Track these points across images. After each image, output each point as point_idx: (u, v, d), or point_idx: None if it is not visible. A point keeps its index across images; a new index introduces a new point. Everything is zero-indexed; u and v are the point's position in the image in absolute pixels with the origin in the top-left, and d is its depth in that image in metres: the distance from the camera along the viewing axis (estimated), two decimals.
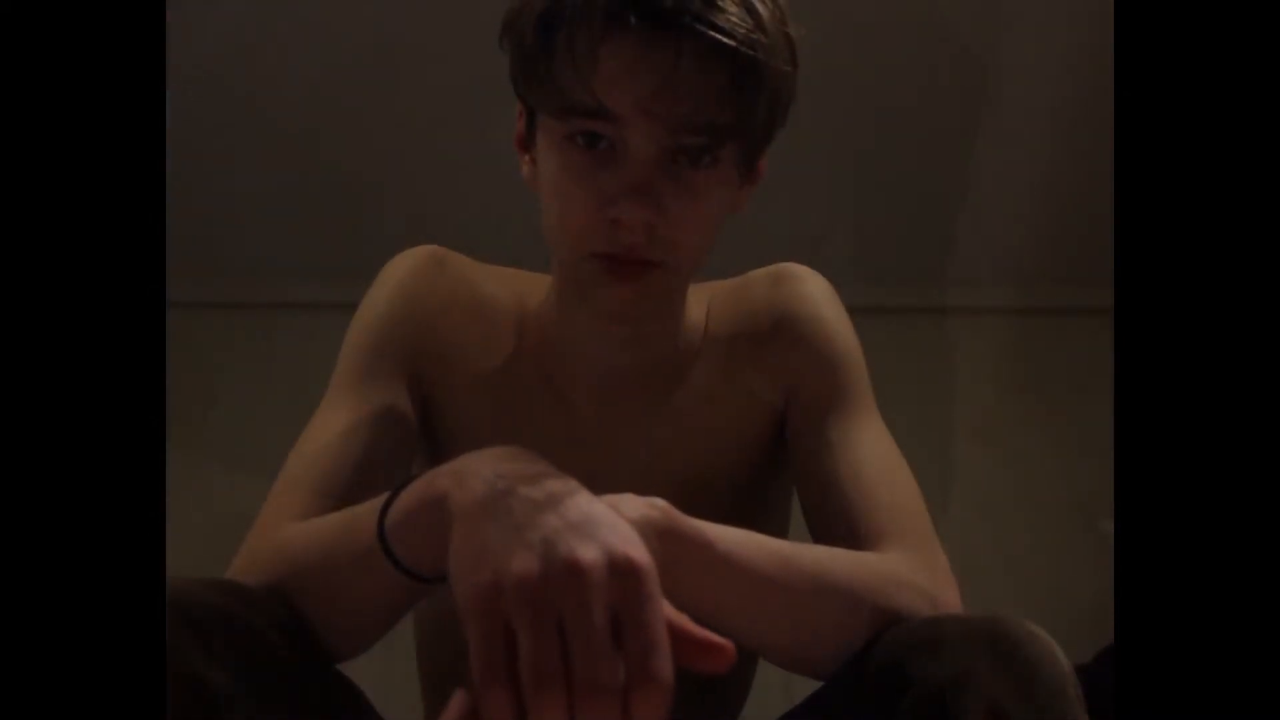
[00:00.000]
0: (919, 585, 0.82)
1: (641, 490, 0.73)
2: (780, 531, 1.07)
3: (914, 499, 0.91)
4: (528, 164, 0.93)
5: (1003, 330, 3.12)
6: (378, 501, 0.74)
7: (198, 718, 0.67)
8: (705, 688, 0.63)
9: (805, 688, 0.84)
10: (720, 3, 0.80)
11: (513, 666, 0.57)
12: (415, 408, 0.97)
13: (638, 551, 0.60)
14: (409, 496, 0.71)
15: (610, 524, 0.62)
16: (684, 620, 0.61)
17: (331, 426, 0.92)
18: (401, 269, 1.02)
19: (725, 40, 0.79)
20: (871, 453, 0.94)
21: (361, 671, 0.84)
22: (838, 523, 0.90)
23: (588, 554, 0.59)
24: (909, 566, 0.84)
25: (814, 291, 1.03)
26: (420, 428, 0.99)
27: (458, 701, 0.59)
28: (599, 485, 0.69)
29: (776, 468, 1.03)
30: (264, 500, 0.88)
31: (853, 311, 1.04)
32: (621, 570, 0.59)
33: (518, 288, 1.03)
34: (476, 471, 0.66)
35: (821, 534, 0.92)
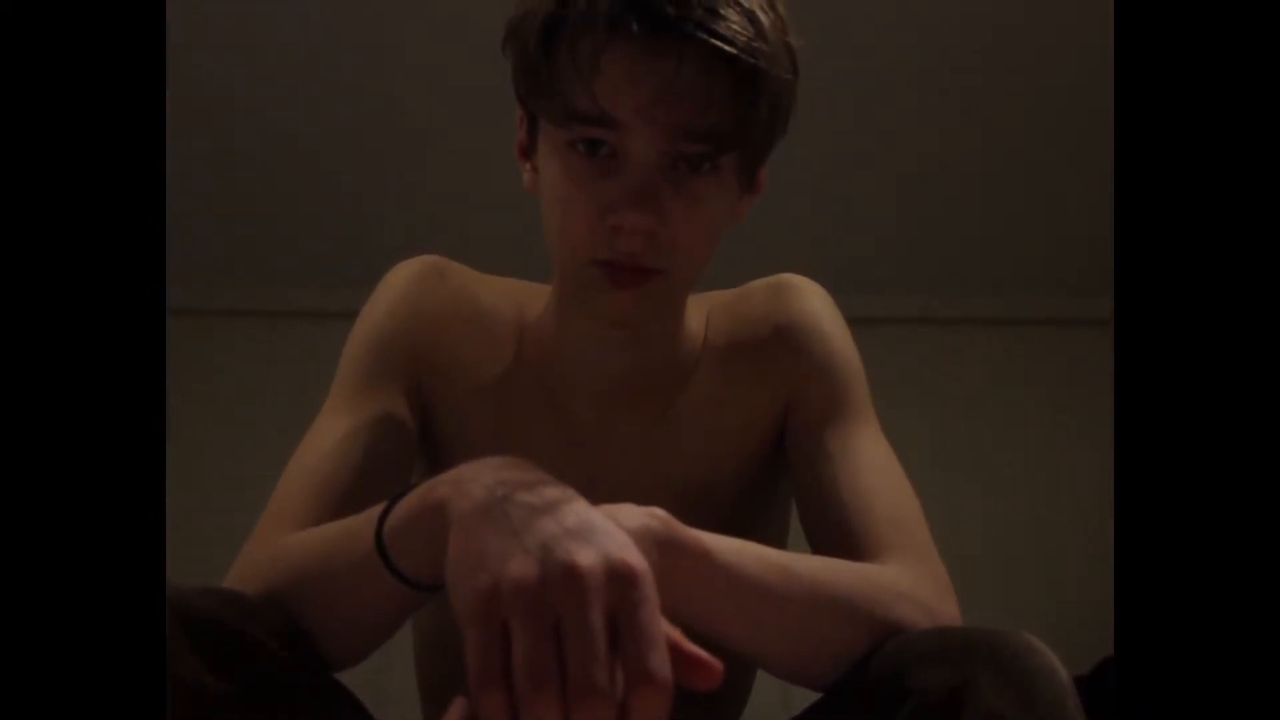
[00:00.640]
0: (918, 596, 0.82)
1: (640, 500, 0.73)
2: (779, 542, 1.07)
3: (913, 510, 0.91)
4: (529, 171, 0.93)
5: (1002, 341, 3.13)
6: (376, 510, 0.74)
7: None
8: (701, 699, 0.63)
9: (804, 699, 0.83)
10: (722, 11, 0.80)
11: (509, 670, 0.57)
12: (414, 416, 0.97)
13: (634, 557, 0.60)
14: (407, 504, 0.71)
15: (607, 531, 0.62)
16: (676, 634, 0.61)
17: (331, 435, 0.92)
18: (401, 278, 1.02)
19: (726, 48, 0.79)
20: (870, 463, 0.94)
21: (360, 680, 0.84)
22: (836, 533, 0.90)
23: (585, 559, 0.59)
24: (908, 578, 0.84)
25: (813, 302, 1.03)
26: (419, 436, 0.99)
27: (456, 708, 0.59)
28: (597, 494, 0.69)
29: (775, 478, 1.03)
30: (263, 508, 0.88)
31: (852, 322, 1.04)
32: (619, 575, 0.59)
33: (517, 297, 1.04)
34: (475, 479, 0.66)
35: (820, 544, 0.92)
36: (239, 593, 0.77)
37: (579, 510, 0.63)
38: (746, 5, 0.82)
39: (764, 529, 1.02)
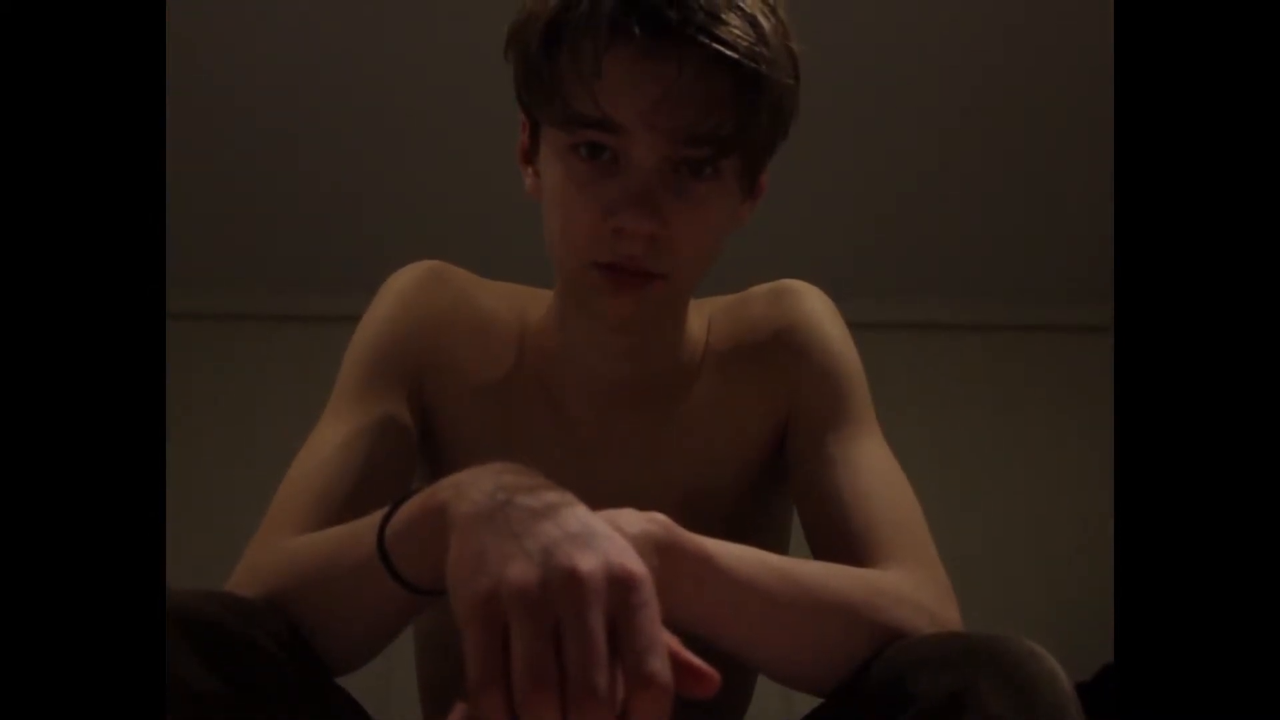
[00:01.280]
0: (919, 602, 0.82)
1: (641, 505, 0.73)
2: (780, 547, 1.07)
3: (914, 515, 0.91)
4: (530, 176, 0.94)
5: (1003, 346, 3.13)
6: (378, 514, 0.74)
7: None
8: (702, 704, 0.63)
9: (805, 704, 0.83)
10: (723, 15, 0.80)
11: (508, 672, 0.57)
12: (416, 421, 0.97)
13: (634, 562, 0.60)
14: (409, 509, 0.71)
15: (608, 536, 0.62)
16: (674, 643, 0.61)
17: (332, 439, 0.92)
18: (403, 283, 1.02)
19: (728, 52, 0.79)
20: (871, 469, 0.94)
21: (361, 684, 0.84)
22: (838, 538, 0.90)
23: (586, 563, 0.59)
24: (909, 583, 0.84)
25: (815, 307, 1.03)
26: (420, 441, 0.99)
27: (457, 714, 0.59)
28: (598, 499, 0.69)
29: (777, 483, 1.03)
30: (264, 512, 0.88)
31: (853, 327, 1.04)
32: (619, 580, 0.59)
33: (518, 302, 1.04)
34: (476, 484, 0.66)
35: (822, 550, 0.92)
36: (241, 597, 0.77)
37: (580, 515, 0.63)
38: (748, 10, 0.82)
39: (765, 534, 1.02)
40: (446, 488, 0.68)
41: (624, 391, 0.99)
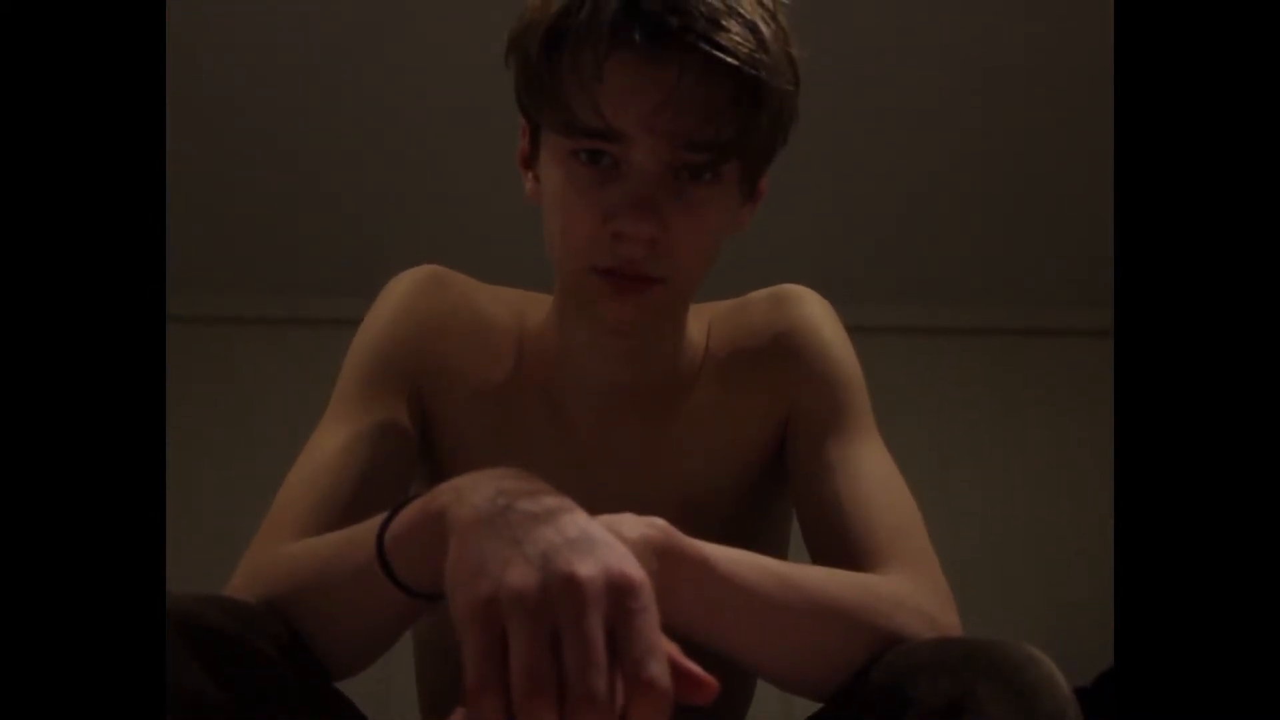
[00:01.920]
0: (918, 607, 0.82)
1: (640, 509, 0.73)
2: (780, 552, 1.07)
3: (913, 520, 0.91)
4: (531, 181, 0.94)
5: (1003, 350, 3.13)
6: (377, 519, 0.74)
7: None
8: (701, 710, 0.63)
9: (805, 709, 0.83)
10: (724, 22, 0.80)
11: (506, 677, 0.57)
12: (415, 425, 0.97)
13: (634, 568, 0.60)
14: (409, 513, 0.71)
15: (607, 542, 0.62)
16: (672, 649, 0.61)
17: (332, 443, 0.92)
18: (403, 287, 1.03)
19: (728, 59, 0.80)
20: (871, 473, 0.94)
21: (361, 689, 0.84)
22: (837, 543, 0.90)
23: (585, 568, 0.59)
24: (908, 588, 0.84)
25: (814, 312, 1.03)
26: (420, 446, 0.99)
27: (456, 719, 0.59)
28: (598, 504, 0.69)
29: (776, 488, 1.03)
30: (264, 516, 0.88)
31: (852, 331, 1.04)
32: (618, 586, 0.59)
33: (518, 307, 1.04)
34: (476, 489, 0.66)
35: (821, 555, 0.92)
36: (240, 601, 0.77)
37: (579, 521, 0.63)
38: (748, 16, 0.82)
39: (764, 538, 1.02)
40: (446, 492, 0.68)
41: (623, 396, 0.99)
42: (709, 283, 0.92)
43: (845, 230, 2.85)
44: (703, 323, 1.03)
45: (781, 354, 1.00)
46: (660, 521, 0.72)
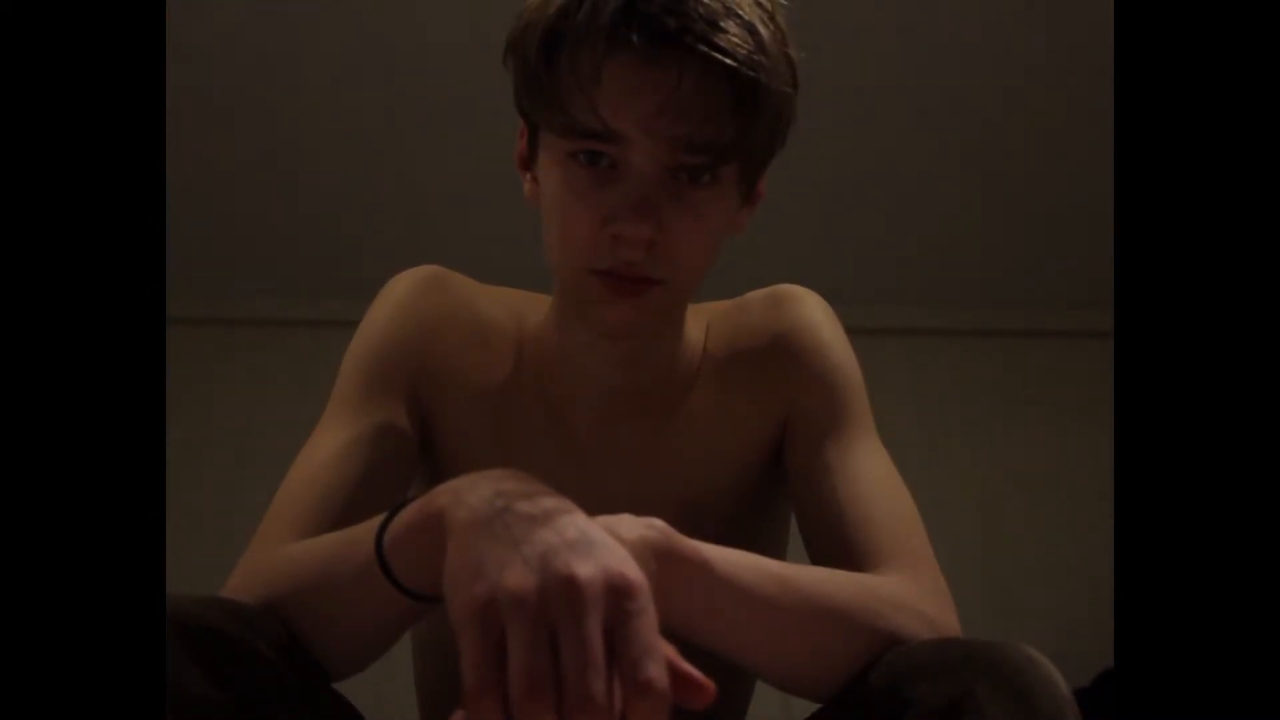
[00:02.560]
0: (917, 607, 0.82)
1: (639, 511, 0.73)
2: (778, 553, 1.07)
3: (912, 521, 0.91)
4: (529, 182, 0.94)
5: (1003, 352, 3.13)
6: (376, 520, 0.74)
7: None
8: (699, 712, 0.63)
9: (804, 710, 0.83)
10: (722, 24, 0.80)
11: (504, 679, 0.57)
12: (414, 426, 0.97)
13: (632, 570, 0.60)
14: (407, 515, 0.71)
15: (606, 544, 0.62)
16: (670, 651, 0.61)
17: (330, 444, 0.92)
18: (401, 288, 1.02)
19: (727, 60, 0.80)
20: (869, 474, 0.94)
21: (359, 690, 0.84)
22: (836, 544, 0.90)
23: (583, 570, 0.59)
24: (907, 589, 0.84)
25: (812, 313, 1.03)
26: (419, 447, 0.99)
27: None
28: (596, 505, 0.69)
29: (774, 489, 1.03)
30: (262, 517, 0.88)
31: (851, 332, 1.04)
32: (616, 587, 0.59)
33: (517, 308, 1.04)
34: (475, 490, 0.66)
35: (819, 555, 0.92)
36: (239, 602, 0.77)
37: (578, 523, 0.63)
38: (746, 18, 0.82)
39: (763, 540, 1.02)
40: (445, 494, 0.68)
41: (622, 398, 0.99)
42: (707, 284, 0.92)
43: (844, 231, 2.85)
44: (701, 323, 1.03)
45: (780, 354, 1.00)
46: (658, 523, 0.72)
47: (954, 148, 2.63)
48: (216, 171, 2.67)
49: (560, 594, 0.58)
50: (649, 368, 0.98)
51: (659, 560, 0.70)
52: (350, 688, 0.81)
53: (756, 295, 1.05)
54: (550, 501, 0.65)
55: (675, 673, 0.60)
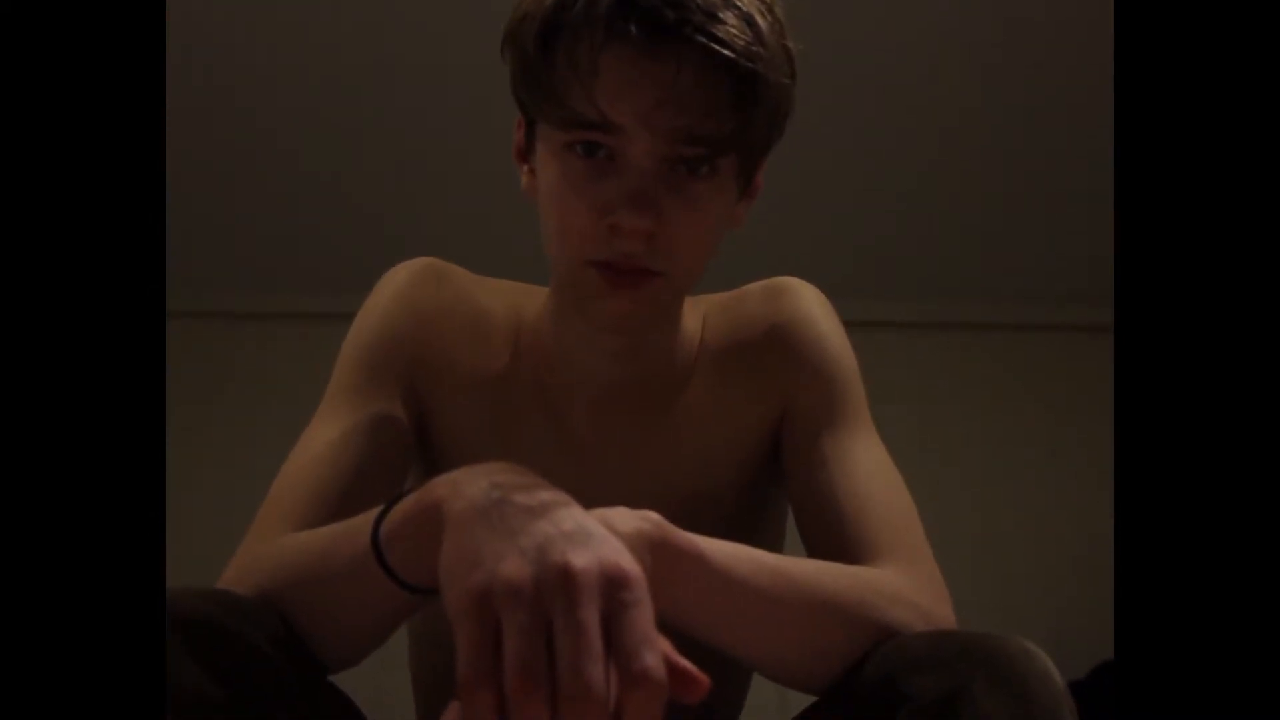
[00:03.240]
0: (913, 600, 0.82)
1: (635, 503, 0.73)
2: (775, 545, 1.07)
3: (908, 514, 0.91)
4: (526, 175, 0.93)
5: (1002, 346, 3.13)
6: (373, 512, 0.74)
7: None
8: (695, 704, 0.63)
9: (800, 702, 0.84)
10: (720, 14, 0.80)
11: (500, 669, 0.57)
12: (411, 418, 0.97)
13: (628, 561, 0.60)
14: (404, 507, 0.71)
15: (601, 535, 0.62)
16: (664, 645, 0.61)
17: (327, 436, 0.92)
18: (398, 280, 1.02)
19: (725, 52, 0.79)
20: (866, 468, 0.94)
21: (355, 683, 0.84)
22: (832, 537, 0.90)
23: (579, 560, 0.59)
24: (903, 581, 0.84)
25: (809, 305, 1.03)
26: (416, 439, 0.99)
27: (451, 713, 0.59)
28: (593, 498, 0.69)
29: (771, 482, 1.03)
30: (259, 509, 0.88)
31: (849, 326, 1.04)
32: (612, 578, 0.59)
33: (514, 300, 1.03)
34: (471, 482, 0.66)
35: (816, 548, 0.92)
36: (235, 595, 0.77)
37: (574, 514, 0.63)
38: (744, 9, 0.81)
39: (760, 532, 1.02)
40: (441, 485, 0.68)
41: (619, 390, 0.99)
42: (705, 277, 0.92)
43: (841, 224, 2.85)
44: (698, 315, 1.03)
45: (777, 347, 1.00)
46: (654, 515, 0.72)
47: (951, 141, 2.63)
48: (215, 165, 2.66)
49: (556, 584, 0.58)
50: (646, 360, 0.98)
51: (654, 553, 0.70)
52: (348, 680, 0.81)
53: (754, 287, 1.05)
54: (547, 494, 0.65)
55: (670, 667, 0.60)
